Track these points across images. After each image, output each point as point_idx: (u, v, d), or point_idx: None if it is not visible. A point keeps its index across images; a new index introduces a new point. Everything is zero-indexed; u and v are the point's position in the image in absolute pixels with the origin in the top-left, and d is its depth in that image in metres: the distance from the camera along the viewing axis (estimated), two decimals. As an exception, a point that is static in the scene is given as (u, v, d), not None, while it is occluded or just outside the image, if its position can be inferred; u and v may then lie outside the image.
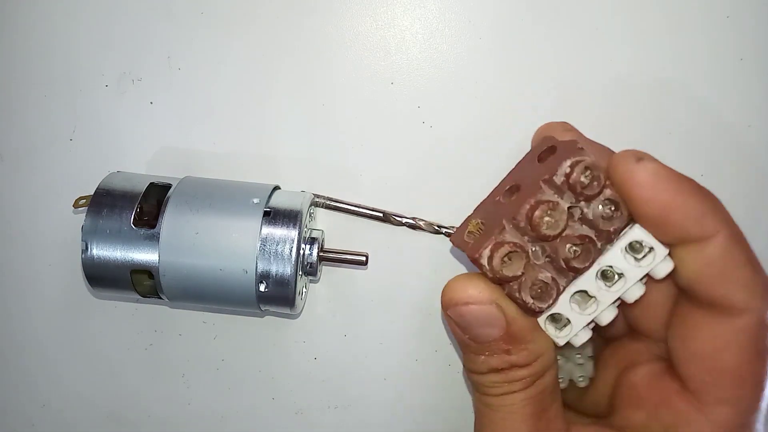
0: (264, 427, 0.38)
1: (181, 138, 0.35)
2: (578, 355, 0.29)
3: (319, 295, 0.37)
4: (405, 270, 0.36)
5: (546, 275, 0.25)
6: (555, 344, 0.26)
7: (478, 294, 0.25)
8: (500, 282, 0.25)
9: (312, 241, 0.33)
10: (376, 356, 0.37)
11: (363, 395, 0.37)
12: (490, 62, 0.34)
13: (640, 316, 0.29)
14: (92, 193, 0.31)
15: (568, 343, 0.27)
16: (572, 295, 0.25)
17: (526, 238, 0.25)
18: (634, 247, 0.25)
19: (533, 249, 0.25)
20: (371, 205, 0.35)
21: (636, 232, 0.24)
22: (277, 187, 0.33)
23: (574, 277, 0.25)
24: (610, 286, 0.25)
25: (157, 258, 0.30)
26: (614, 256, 0.24)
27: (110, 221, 0.30)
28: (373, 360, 0.37)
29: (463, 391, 0.37)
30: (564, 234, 0.24)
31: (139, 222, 0.30)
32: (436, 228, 0.34)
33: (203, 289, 0.30)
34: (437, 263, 0.36)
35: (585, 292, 0.25)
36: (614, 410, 0.28)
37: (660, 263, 0.24)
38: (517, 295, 0.25)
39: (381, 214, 0.35)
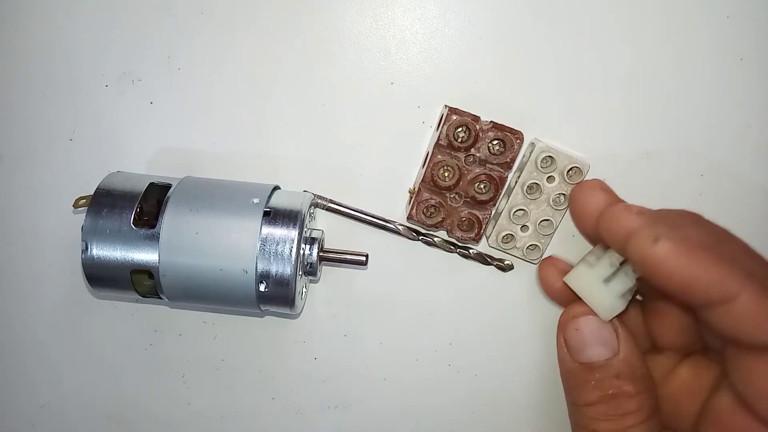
0: (264, 427, 0.38)
1: (181, 138, 0.35)
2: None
3: (319, 295, 0.37)
4: (405, 270, 0.36)
5: (465, 212, 0.33)
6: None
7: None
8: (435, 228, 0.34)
9: (312, 241, 0.33)
10: (376, 356, 0.37)
11: (363, 395, 0.37)
12: (490, 62, 0.34)
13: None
14: (92, 193, 0.31)
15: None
16: (512, 213, 0.33)
17: (443, 192, 0.33)
18: (542, 164, 0.32)
19: (451, 196, 0.33)
20: (371, 206, 0.35)
21: (539, 145, 0.32)
22: (277, 187, 0.33)
23: (492, 207, 0.33)
24: (530, 195, 0.32)
25: (157, 258, 0.30)
26: (528, 171, 0.32)
27: (110, 221, 0.30)
28: (373, 360, 0.37)
29: (462, 390, 0.37)
30: (468, 178, 0.32)
31: (139, 222, 0.30)
32: (434, 240, 0.34)
33: (203, 289, 0.30)
34: (437, 263, 0.36)
35: (522, 209, 0.33)
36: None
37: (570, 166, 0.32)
38: (452, 234, 0.34)
39: (381, 222, 0.35)
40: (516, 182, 0.33)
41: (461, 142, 0.31)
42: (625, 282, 0.28)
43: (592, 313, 0.29)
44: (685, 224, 0.27)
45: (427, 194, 0.33)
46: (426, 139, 0.34)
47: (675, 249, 0.24)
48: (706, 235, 0.26)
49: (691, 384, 0.29)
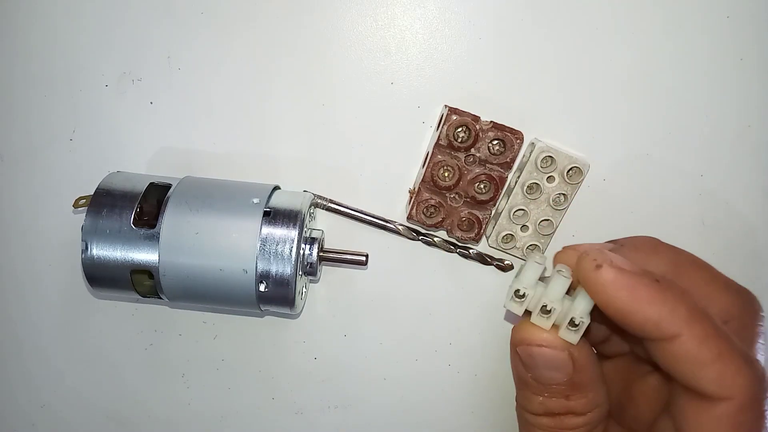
0: (264, 427, 0.38)
1: (181, 138, 0.35)
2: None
3: (319, 295, 0.37)
4: (405, 270, 0.36)
5: (465, 212, 0.33)
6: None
7: (552, 339, 0.26)
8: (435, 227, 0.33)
9: (312, 241, 0.33)
10: (376, 356, 0.37)
11: (363, 395, 0.37)
12: (490, 62, 0.34)
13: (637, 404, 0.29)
14: (92, 193, 0.31)
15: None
16: (512, 213, 0.33)
17: (443, 192, 0.33)
18: (542, 164, 0.32)
19: (451, 196, 0.33)
20: (371, 206, 0.35)
21: (539, 145, 0.32)
22: (277, 187, 0.33)
23: (492, 207, 0.33)
24: (530, 195, 0.32)
25: (157, 258, 0.30)
26: (528, 171, 0.32)
27: (110, 221, 0.30)
28: (373, 360, 0.37)
29: (462, 390, 0.37)
30: (468, 178, 0.32)
31: (139, 222, 0.30)
32: (434, 240, 0.34)
33: (203, 289, 0.30)
34: (437, 263, 0.36)
35: (522, 210, 0.33)
36: None
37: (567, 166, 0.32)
38: (452, 234, 0.34)
39: (381, 222, 0.35)
40: (516, 182, 0.33)
41: (461, 142, 0.31)
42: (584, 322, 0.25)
43: (545, 343, 0.26)
44: (641, 252, 0.27)
45: (427, 194, 0.33)
46: (426, 139, 0.34)
47: (615, 279, 0.23)
48: (663, 265, 0.26)
49: (654, 393, 0.28)
